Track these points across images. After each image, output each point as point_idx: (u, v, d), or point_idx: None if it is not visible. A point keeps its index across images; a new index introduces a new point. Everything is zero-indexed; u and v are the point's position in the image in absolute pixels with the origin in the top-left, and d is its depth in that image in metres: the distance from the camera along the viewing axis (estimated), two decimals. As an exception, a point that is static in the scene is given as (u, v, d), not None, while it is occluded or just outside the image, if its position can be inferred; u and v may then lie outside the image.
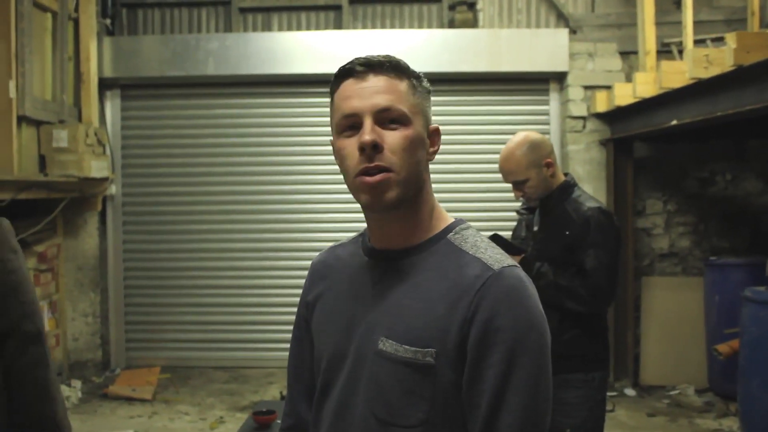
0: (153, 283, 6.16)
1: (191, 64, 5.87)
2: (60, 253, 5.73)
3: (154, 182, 6.16)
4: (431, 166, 1.26)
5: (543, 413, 1.13)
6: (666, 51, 5.60)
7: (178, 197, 6.15)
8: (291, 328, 1.44)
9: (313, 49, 5.79)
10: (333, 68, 1.27)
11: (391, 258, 1.24)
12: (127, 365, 6.06)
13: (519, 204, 2.89)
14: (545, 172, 2.60)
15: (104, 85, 5.94)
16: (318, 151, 5.92)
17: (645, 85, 4.84)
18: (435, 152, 1.26)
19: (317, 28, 6.16)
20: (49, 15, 5.24)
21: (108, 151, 5.79)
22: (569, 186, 2.65)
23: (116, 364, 6.05)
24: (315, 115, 5.94)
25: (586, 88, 5.72)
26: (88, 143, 5.23)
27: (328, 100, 1.27)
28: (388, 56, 1.21)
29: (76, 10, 5.56)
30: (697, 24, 5.01)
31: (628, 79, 5.54)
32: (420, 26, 6.13)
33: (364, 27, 6.12)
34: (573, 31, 5.89)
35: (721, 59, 3.79)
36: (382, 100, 1.17)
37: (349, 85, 1.20)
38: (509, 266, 1.17)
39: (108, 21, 5.95)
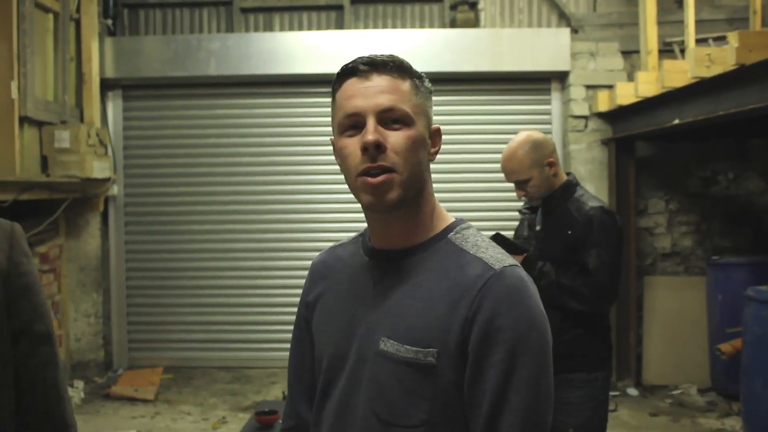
0: (155, 284, 6.16)
1: (193, 64, 5.87)
2: (62, 253, 5.74)
3: (156, 182, 6.16)
4: (433, 166, 1.26)
5: (544, 413, 1.13)
6: (668, 50, 5.59)
7: (180, 197, 6.15)
8: (292, 328, 1.43)
9: (315, 49, 5.79)
10: (335, 68, 1.26)
11: (392, 258, 1.24)
12: (129, 365, 6.06)
13: (521, 203, 2.89)
14: (547, 172, 2.59)
15: (106, 85, 5.95)
16: (320, 151, 5.92)
17: (647, 84, 4.83)
18: (436, 153, 1.26)
19: (319, 28, 6.16)
20: (50, 16, 5.24)
21: (110, 152, 5.79)
22: (572, 185, 2.64)
23: (119, 364, 6.05)
24: (317, 116, 5.94)
25: (588, 87, 5.71)
26: (89, 144, 5.24)
27: (329, 100, 1.26)
28: (391, 56, 1.21)
29: (78, 10, 5.57)
30: (699, 23, 5.01)
31: (630, 78, 5.54)
32: (421, 26, 6.13)
33: (366, 27, 6.12)
34: (575, 31, 5.89)
35: (723, 58, 3.78)
36: (385, 100, 1.17)
37: (352, 84, 1.19)
38: (510, 266, 1.17)
39: (109, 21, 5.96)
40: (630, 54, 5.74)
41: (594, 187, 5.52)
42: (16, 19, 4.62)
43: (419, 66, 1.27)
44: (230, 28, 6.14)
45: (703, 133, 5.22)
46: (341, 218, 5.86)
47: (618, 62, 5.72)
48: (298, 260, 5.96)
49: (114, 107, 6.10)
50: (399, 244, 1.24)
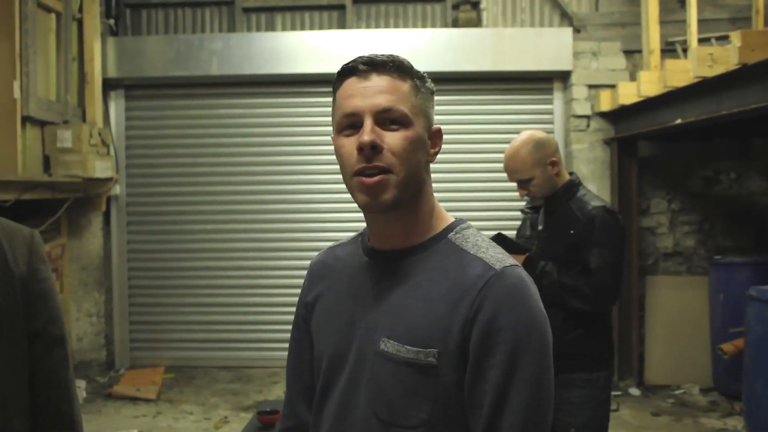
0: (157, 283, 6.17)
1: (195, 64, 5.87)
2: (64, 253, 5.74)
3: (158, 182, 6.17)
4: (435, 166, 1.26)
5: (545, 413, 1.13)
6: (670, 50, 5.58)
7: (181, 197, 6.15)
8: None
9: (317, 48, 5.79)
10: (336, 68, 1.26)
11: (392, 258, 1.24)
12: (131, 365, 6.07)
13: (523, 203, 2.89)
14: (550, 171, 2.59)
15: (108, 85, 5.95)
16: (321, 150, 5.92)
17: (649, 84, 4.83)
18: (436, 153, 1.26)
19: (321, 27, 6.16)
20: (53, 15, 5.25)
21: (112, 152, 5.79)
22: (574, 185, 2.64)
23: (120, 363, 6.06)
24: (318, 115, 5.95)
25: (590, 87, 5.71)
26: (92, 143, 5.24)
27: (331, 99, 1.26)
28: (392, 56, 1.21)
29: (80, 10, 5.57)
30: (702, 22, 5.00)
31: (632, 78, 5.53)
32: (423, 26, 6.13)
33: (368, 26, 6.12)
34: (577, 30, 5.88)
35: (725, 58, 3.78)
36: (383, 101, 1.16)
37: (351, 84, 1.19)
38: (511, 266, 1.17)
39: (112, 21, 5.96)
40: (632, 53, 5.74)
41: (596, 187, 5.51)
42: (18, 19, 4.63)
43: (421, 66, 1.27)
44: (232, 28, 6.15)
45: (705, 133, 5.22)
46: (342, 218, 5.86)
47: (620, 62, 5.72)
48: (299, 260, 5.95)
49: (116, 107, 6.10)
50: (398, 244, 1.23)
